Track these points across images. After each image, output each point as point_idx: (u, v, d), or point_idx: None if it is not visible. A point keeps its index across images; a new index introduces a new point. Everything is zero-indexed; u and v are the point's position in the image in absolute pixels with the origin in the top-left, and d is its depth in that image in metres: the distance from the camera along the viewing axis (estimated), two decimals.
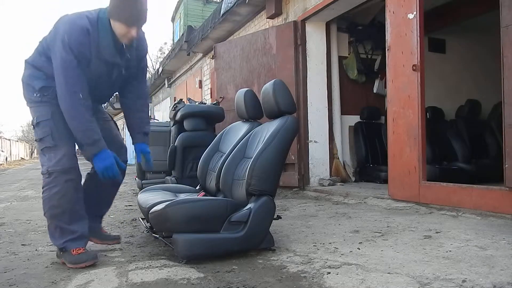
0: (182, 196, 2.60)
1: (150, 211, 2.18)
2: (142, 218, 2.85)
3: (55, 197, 2.04)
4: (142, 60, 2.33)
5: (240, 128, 2.85)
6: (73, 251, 2.05)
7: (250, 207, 2.18)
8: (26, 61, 2.15)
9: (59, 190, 2.04)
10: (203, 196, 2.68)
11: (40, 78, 2.09)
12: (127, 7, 2.00)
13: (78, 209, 2.11)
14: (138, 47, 2.24)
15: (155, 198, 2.42)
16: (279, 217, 2.48)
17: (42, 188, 2.09)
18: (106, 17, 2.04)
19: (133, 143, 2.41)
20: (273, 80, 2.50)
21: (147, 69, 2.36)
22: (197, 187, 2.94)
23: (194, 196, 2.64)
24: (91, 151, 2.07)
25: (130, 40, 2.10)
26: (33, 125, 2.11)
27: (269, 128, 2.40)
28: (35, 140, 2.14)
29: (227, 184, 2.48)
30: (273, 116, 2.50)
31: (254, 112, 2.79)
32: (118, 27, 2.03)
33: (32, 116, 2.12)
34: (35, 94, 2.07)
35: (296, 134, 2.42)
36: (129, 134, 2.45)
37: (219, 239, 2.12)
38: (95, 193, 2.33)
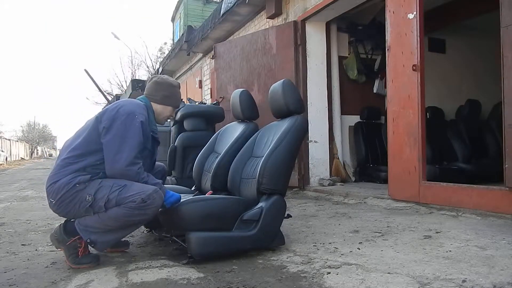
0: None
1: (161, 210, 2.18)
2: None
3: (136, 220, 2.05)
4: None
5: (235, 129, 2.86)
6: (80, 252, 2.05)
7: (261, 206, 2.19)
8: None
9: (141, 220, 2.08)
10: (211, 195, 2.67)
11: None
12: (179, 95, 2.45)
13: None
14: None
15: None
16: (289, 216, 2.49)
17: (130, 204, 1.98)
18: (149, 103, 2.32)
19: None
20: (282, 80, 2.51)
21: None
22: (192, 188, 2.94)
23: (190, 196, 2.63)
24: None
25: (166, 120, 2.45)
26: (91, 203, 2.00)
27: (278, 128, 2.41)
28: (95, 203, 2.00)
29: (235, 183, 2.48)
30: (281, 116, 2.51)
31: (250, 113, 2.80)
32: (168, 111, 2.39)
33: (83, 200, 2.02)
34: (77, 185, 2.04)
35: (306, 133, 2.44)
36: None
37: (231, 237, 2.14)
38: None
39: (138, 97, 2.35)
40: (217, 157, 2.74)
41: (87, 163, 2.06)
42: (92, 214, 2.02)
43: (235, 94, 2.85)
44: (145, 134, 2.14)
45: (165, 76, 2.45)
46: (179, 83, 2.51)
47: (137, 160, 2.08)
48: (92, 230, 2.03)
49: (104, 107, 2.33)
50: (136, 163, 2.06)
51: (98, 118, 2.12)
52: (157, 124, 2.37)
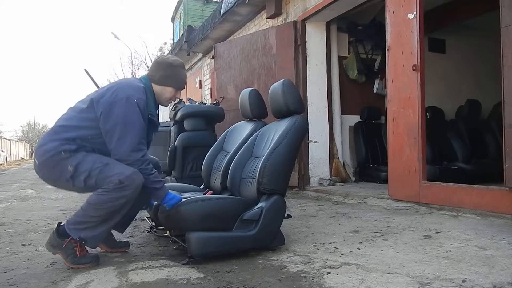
0: (187, 195, 2.60)
1: (162, 210, 2.19)
2: (147, 217, 2.86)
3: (117, 204, 2.02)
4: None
5: (244, 128, 2.86)
6: (78, 252, 2.04)
7: (261, 206, 2.19)
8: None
9: (122, 204, 2.03)
10: (211, 194, 2.68)
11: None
12: (180, 75, 2.31)
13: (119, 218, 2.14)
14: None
15: None
16: (289, 216, 2.49)
17: (104, 188, 1.99)
18: (149, 84, 2.26)
19: None
20: (282, 80, 2.51)
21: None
22: (201, 186, 2.94)
23: (200, 195, 2.64)
24: (162, 194, 2.12)
25: (170, 101, 2.37)
26: (72, 174, 2.01)
27: (277, 128, 2.41)
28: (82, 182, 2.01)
29: (235, 183, 2.48)
30: (281, 116, 2.51)
31: (259, 112, 2.79)
32: (169, 92, 2.29)
33: (66, 169, 2.02)
34: (62, 153, 2.03)
35: (306, 133, 2.43)
36: None
37: (231, 237, 2.14)
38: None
39: (141, 76, 2.32)
40: (225, 156, 2.74)
41: (79, 135, 2.06)
42: (72, 186, 2.03)
43: (244, 93, 2.84)
44: (143, 117, 2.11)
45: (167, 56, 2.35)
46: (183, 62, 2.38)
47: (141, 146, 2.07)
48: (80, 227, 2.03)
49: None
50: (140, 150, 2.06)
51: (95, 100, 2.09)
52: (160, 106, 2.34)
